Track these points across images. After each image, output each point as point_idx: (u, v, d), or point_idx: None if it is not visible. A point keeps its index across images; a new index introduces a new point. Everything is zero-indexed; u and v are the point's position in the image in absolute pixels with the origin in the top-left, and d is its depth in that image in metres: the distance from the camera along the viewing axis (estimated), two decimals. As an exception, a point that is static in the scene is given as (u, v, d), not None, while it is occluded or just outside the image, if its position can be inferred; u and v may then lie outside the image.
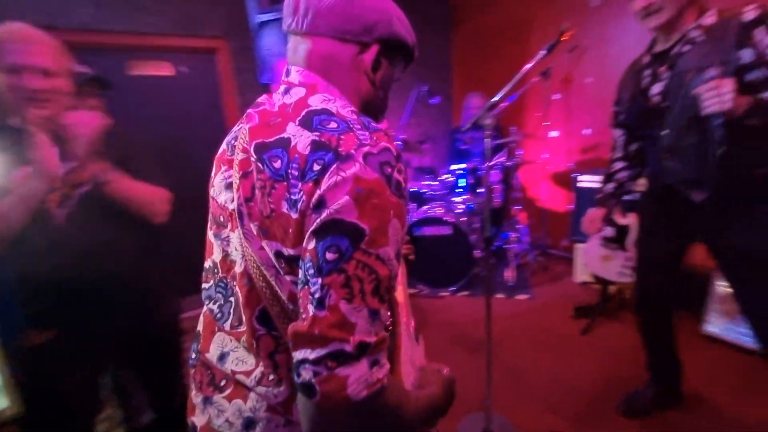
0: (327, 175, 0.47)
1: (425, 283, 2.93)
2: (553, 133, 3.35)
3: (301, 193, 0.48)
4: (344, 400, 0.43)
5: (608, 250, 2.30)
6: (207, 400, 0.59)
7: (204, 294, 0.64)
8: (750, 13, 1.11)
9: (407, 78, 3.69)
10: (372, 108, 0.64)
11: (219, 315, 0.61)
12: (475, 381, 1.94)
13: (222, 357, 0.59)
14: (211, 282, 0.63)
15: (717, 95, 1.02)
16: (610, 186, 1.64)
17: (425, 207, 2.95)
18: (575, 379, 1.90)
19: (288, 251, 0.50)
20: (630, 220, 2.18)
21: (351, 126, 0.50)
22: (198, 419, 0.60)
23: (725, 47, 1.13)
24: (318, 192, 0.47)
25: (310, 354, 0.44)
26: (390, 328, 0.63)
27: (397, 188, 0.48)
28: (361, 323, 0.45)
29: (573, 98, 3.18)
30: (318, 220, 0.46)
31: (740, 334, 1.98)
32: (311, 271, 0.46)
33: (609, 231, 2.27)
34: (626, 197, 1.67)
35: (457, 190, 3.07)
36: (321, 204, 0.46)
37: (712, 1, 1.22)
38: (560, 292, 2.84)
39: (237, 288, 0.57)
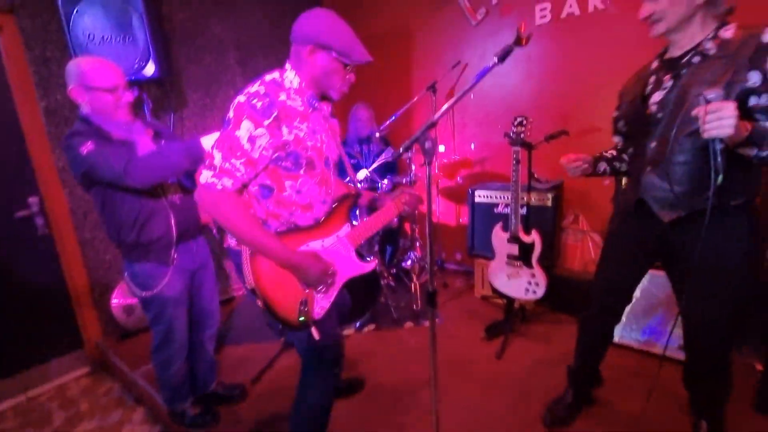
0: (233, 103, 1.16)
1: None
2: (441, 148, 3.35)
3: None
4: (198, 182, 1.14)
5: (513, 267, 2.30)
6: None
7: None
8: None
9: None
10: (318, 84, 1.24)
11: None
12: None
13: None
14: None
15: (718, 119, 0.93)
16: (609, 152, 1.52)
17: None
18: (504, 412, 1.78)
19: None
20: (534, 238, 2.21)
21: (259, 84, 1.17)
22: None
23: (737, 66, 1.05)
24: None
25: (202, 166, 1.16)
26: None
27: (253, 107, 1.10)
28: (217, 158, 1.11)
29: (457, 114, 3.21)
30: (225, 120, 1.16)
31: None
32: None
33: (515, 249, 2.27)
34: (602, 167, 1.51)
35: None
36: (228, 113, 1.16)
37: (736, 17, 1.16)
38: (465, 309, 2.78)
39: None
